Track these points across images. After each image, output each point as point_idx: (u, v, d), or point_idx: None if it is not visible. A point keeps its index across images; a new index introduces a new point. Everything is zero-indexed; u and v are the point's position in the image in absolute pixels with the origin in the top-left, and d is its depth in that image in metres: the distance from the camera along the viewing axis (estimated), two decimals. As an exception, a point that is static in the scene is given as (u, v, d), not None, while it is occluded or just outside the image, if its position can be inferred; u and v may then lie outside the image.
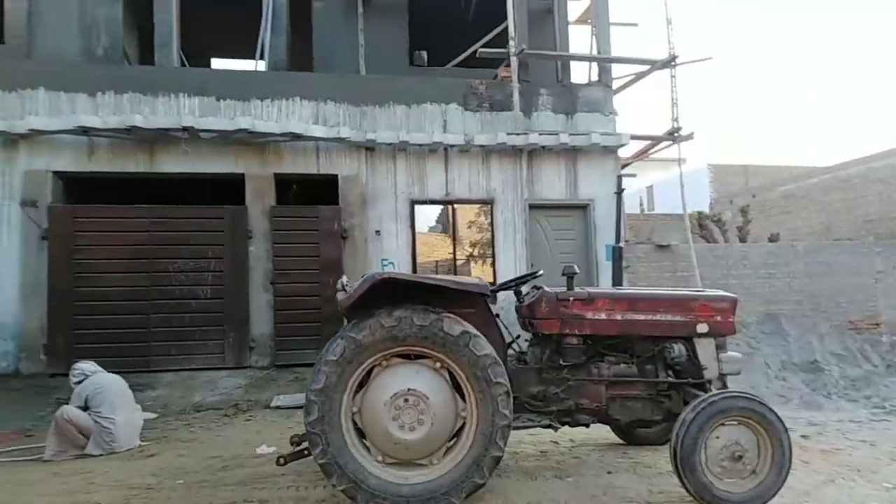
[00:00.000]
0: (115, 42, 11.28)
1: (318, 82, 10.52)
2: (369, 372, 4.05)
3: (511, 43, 10.68)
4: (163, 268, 9.19)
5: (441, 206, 10.89)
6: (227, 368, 9.02)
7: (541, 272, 5.09)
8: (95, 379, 5.54)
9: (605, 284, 10.56)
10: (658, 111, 61.91)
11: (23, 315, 8.86)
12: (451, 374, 4.07)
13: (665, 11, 11.20)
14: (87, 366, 5.66)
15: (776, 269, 11.20)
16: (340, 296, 4.17)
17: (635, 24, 14.57)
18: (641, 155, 12.96)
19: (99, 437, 5.36)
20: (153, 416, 6.91)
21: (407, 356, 4.09)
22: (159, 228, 9.33)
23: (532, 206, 10.70)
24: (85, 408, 5.43)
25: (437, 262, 13.87)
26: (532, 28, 11.74)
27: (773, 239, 15.06)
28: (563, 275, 4.82)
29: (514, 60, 10.60)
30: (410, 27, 12.45)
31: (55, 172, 9.39)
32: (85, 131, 9.20)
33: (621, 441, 5.54)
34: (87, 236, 9.13)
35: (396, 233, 10.22)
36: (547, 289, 4.79)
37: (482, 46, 11.56)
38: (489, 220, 10.73)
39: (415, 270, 10.23)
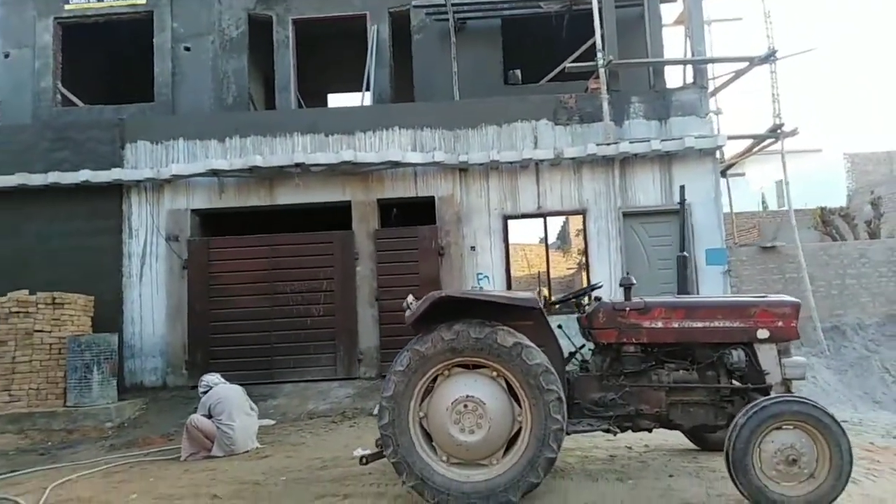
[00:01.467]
0: (241, 91, 12.79)
1: (415, 111, 11.25)
2: (434, 380, 4.53)
3: (599, 55, 10.82)
4: (282, 290, 10.27)
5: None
6: (339, 379, 9.89)
7: (600, 284, 5.33)
8: (217, 390, 6.47)
9: (706, 288, 10.35)
10: (788, 100, 57.78)
11: (168, 335, 10.30)
12: (507, 382, 4.45)
13: (763, 5, 10.83)
14: (211, 378, 6.62)
15: (903, 266, 10.39)
16: (407, 314, 4.70)
17: (740, 19, 14.18)
18: (747, 153, 12.48)
19: (221, 440, 6.26)
20: (272, 422, 7.83)
21: (468, 366, 4.53)
22: (278, 255, 10.43)
23: (626, 214, 10.70)
24: (209, 415, 6.36)
25: (538, 272, 14.08)
26: (625, 35, 11.78)
27: (910, 233, 13.86)
28: (621, 285, 5.05)
29: (602, 72, 10.72)
30: (504, 48, 12.93)
31: (193, 210, 10.80)
32: (215, 173, 10.51)
33: (695, 447, 5.60)
34: (219, 264, 10.42)
35: (491, 248, 10.64)
36: (605, 299, 5.04)
37: (573, 61, 11.79)
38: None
39: (509, 283, 10.60)
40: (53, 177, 10.46)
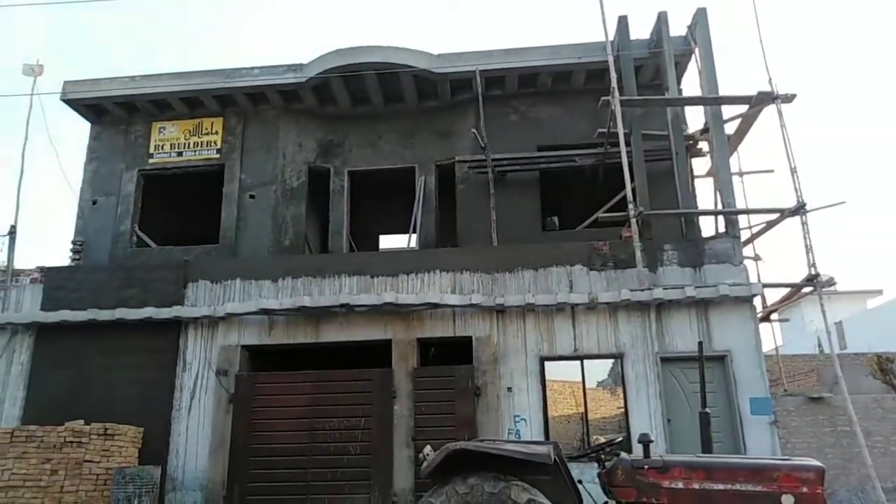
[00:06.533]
0: (298, 234, 13.83)
1: (455, 255, 11.86)
2: (451, 534, 4.61)
3: (630, 206, 11.33)
4: (321, 426, 10.48)
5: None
6: (372, 521, 9.78)
7: (618, 438, 5.41)
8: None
9: (752, 439, 10.03)
10: (850, 242, 57.05)
11: (210, 469, 10.53)
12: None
13: (789, 160, 11.25)
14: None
15: (968, 422, 9.86)
16: (423, 465, 4.88)
17: (771, 171, 14.56)
18: (786, 301, 12.45)
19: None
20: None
21: (483, 520, 4.61)
22: (320, 391, 10.76)
23: (664, 359, 10.71)
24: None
25: (576, 415, 13.78)
26: (658, 185, 12.33)
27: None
28: (639, 442, 5.14)
29: (633, 222, 11.19)
30: (542, 197, 13.68)
31: (243, 346, 11.40)
32: (266, 312, 11.20)
33: None
34: (264, 399, 10.80)
35: (527, 389, 10.70)
36: (624, 455, 5.11)
37: (606, 211, 12.43)
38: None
39: (546, 425, 10.52)
40: (120, 312, 11.34)
